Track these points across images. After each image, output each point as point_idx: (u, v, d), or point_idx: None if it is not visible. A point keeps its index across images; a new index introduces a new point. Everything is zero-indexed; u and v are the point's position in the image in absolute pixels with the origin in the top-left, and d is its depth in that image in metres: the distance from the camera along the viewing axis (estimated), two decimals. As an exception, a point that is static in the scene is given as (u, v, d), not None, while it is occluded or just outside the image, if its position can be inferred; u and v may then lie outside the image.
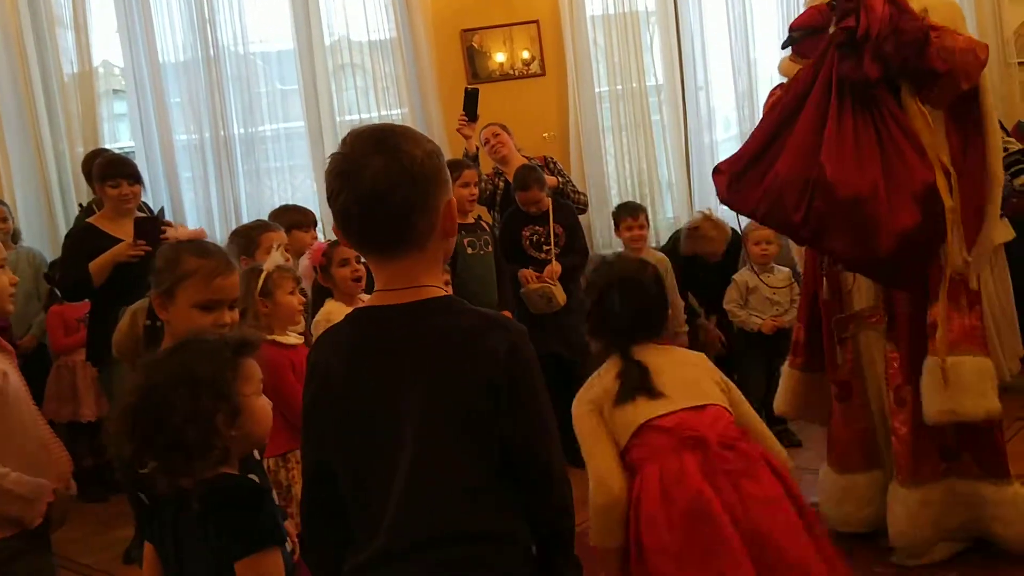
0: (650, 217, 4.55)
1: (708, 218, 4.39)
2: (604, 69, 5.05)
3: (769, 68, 4.78)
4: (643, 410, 1.85)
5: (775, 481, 1.77)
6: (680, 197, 4.95)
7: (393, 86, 5.02)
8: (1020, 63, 5.12)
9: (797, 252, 3.07)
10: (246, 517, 1.39)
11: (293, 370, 2.39)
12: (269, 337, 2.40)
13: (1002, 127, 4.26)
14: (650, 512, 1.73)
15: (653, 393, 1.85)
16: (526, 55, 5.09)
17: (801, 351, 2.96)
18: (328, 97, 4.97)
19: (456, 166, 3.87)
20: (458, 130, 4.29)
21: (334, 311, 2.72)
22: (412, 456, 1.20)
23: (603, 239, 4.96)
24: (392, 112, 5.00)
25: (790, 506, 1.75)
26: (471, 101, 4.21)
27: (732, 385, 2.00)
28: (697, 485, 1.72)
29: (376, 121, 4.90)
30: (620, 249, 4.42)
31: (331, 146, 4.90)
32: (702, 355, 2.07)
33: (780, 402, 3.04)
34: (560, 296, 4.00)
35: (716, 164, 2.61)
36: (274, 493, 1.77)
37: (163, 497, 1.44)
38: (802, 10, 2.77)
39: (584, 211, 4.53)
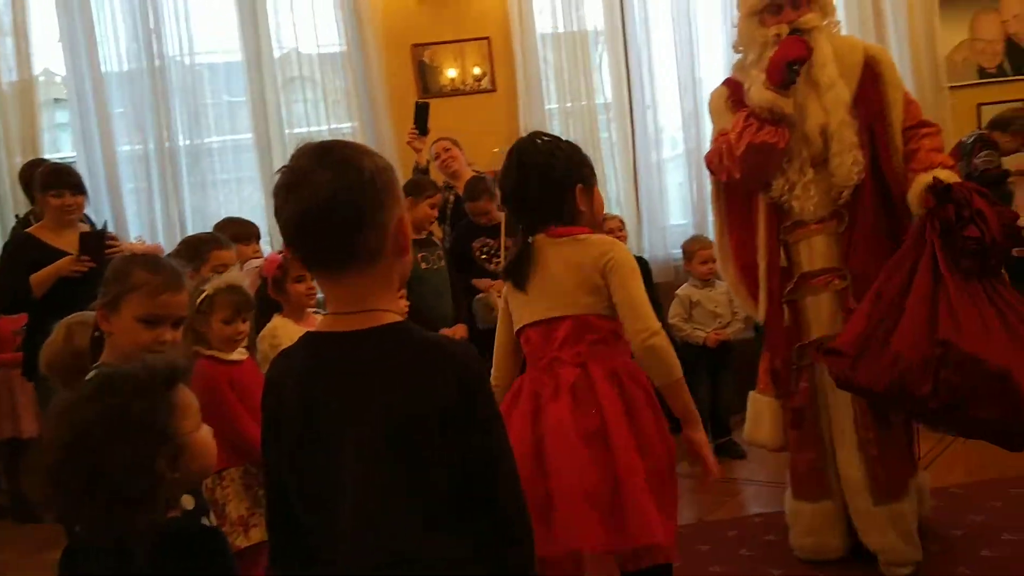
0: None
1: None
2: (554, 86, 5.10)
3: (714, 85, 4.88)
4: (519, 311, 2.02)
5: (568, 402, 1.89)
6: (628, 214, 5.00)
7: (343, 99, 5.00)
8: (952, 87, 5.34)
9: (733, 279, 2.95)
10: (202, 567, 1.32)
11: (232, 387, 2.34)
12: (207, 352, 2.36)
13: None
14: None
15: (519, 284, 1.99)
16: (477, 71, 5.12)
17: (782, 382, 2.85)
18: (277, 109, 4.92)
19: (425, 187, 3.91)
20: (408, 143, 4.30)
21: (280, 327, 2.67)
22: (363, 485, 1.19)
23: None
24: (342, 125, 4.98)
25: (575, 435, 1.86)
26: (421, 115, 4.22)
27: (616, 267, 1.93)
28: (520, 407, 1.93)
29: (326, 134, 4.88)
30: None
31: (279, 159, 4.85)
32: (598, 245, 1.97)
33: (767, 436, 2.87)
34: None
35: (830, 345, 2.56)
36: (211, 513, 1.73)
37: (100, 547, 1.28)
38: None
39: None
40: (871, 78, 2.69)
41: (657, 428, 1.92)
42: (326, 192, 1.18)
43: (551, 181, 1.98)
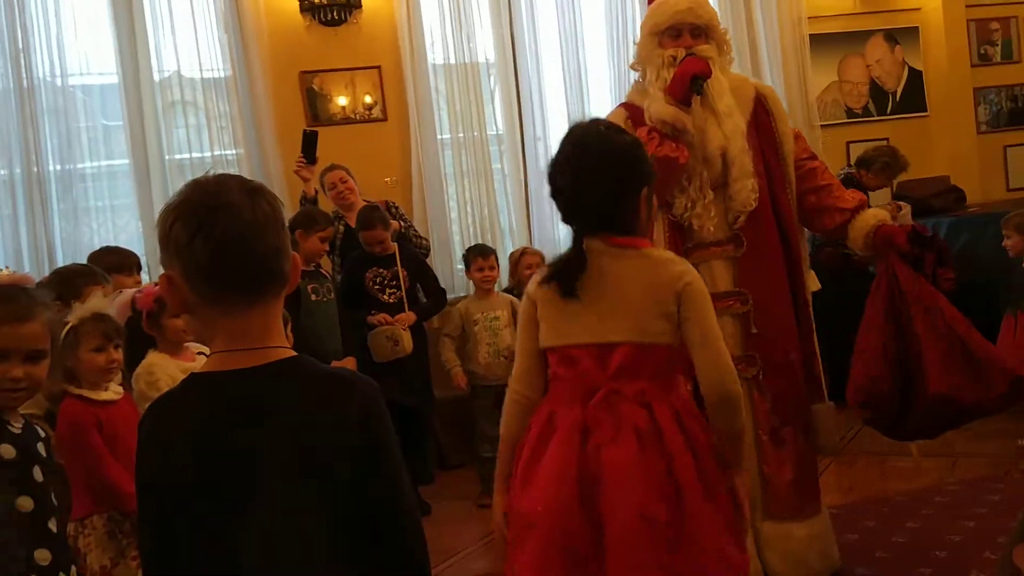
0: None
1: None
2: (446, 116, 5.11)
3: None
4: (559, 326, 1.71)
5: (635, 448, 1.66)
6: (520, 244, 5.04)
7: (228, 125, 4.84)
8: (823, 125, 5.67)
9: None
10: None
11: (100, 429, 2.19)
12: (76, 391, 2.21)
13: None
14: (525, 455, 1.73)
15: (569, 291, 1.69)
16: (368, 99, 5.07)
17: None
18: (156, 134, 4.72)
19: (317, 219, 3.82)
20: (296, 172, 4.21)
21: (157, 364, 2.53)
22: (269, 530, 1.12)
23: (445, 283, 4.96)
24: (227, 152, 4.82)
25: (642, 484, 1.64)
26: (310, 143, 4.13)
27: (695, 294, 1.70)
28: (566, 440, 1.67)
29: (209, 160, 4.73)
30: (464, 294, 4.44)
31: (158, 185, 4.67)
32: (673, 265, 1.74)
33: None
34: (408, 343, 3.97)
35: (867, 417, 2.74)
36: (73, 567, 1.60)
37: None
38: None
39: (426, 256, 4.53)
40: (763, 112, 2.81)
41: (720, 470, 1.73)
42: (254, 217, 1.15)
43: (619, 181, 1.71)
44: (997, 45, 6.01)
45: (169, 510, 1.17)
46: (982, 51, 6.00)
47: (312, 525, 1.14)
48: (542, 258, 4.37)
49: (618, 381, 1.68)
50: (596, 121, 1.79)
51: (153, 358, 2.56)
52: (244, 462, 1.14)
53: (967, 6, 5.87)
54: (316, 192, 4.26)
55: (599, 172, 1.68)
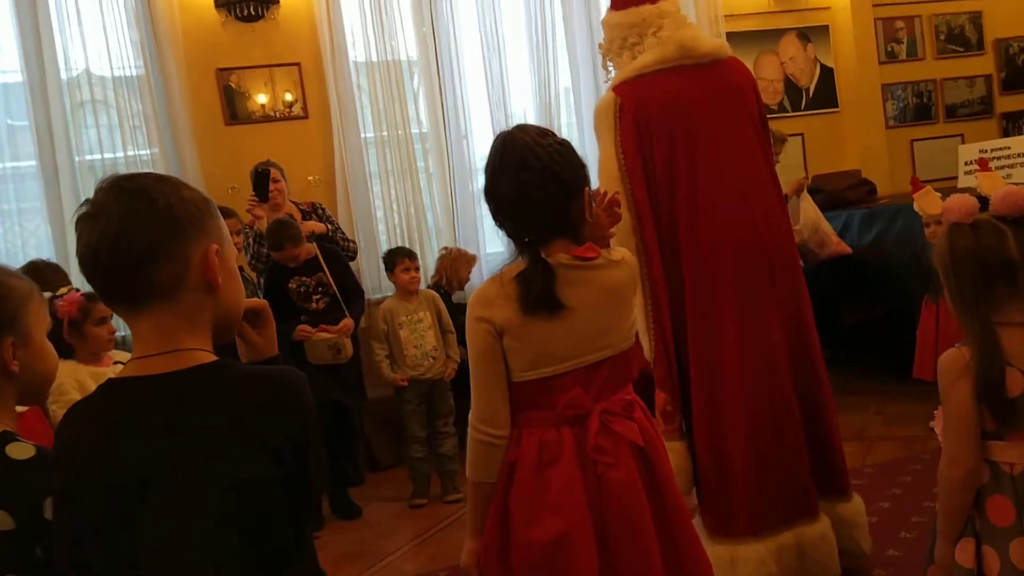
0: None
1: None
2: (370, 114, 5.05)
3: (525, 119, 5.04)
4: (534, 356, 1.60)
5: (634, 465, 1.64)
6: (446, 243, 5.02)
7: (142, 125, 4.68)
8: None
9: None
10: None
11: None
12: None
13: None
14: (523, 489, 1.62)
15: (557, 307, 1.58)
16: (289, 97, 4.98)
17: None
18: (65, 135, 4.54)
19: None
20: (248, 211, 4.06)
21: (65, 374, 2.42)
22: (185, 549, 1.08)
23: (373, 284, 4.92)
24: (141, 152, 4.67)
25: (642, 489, 1.63)
26: (262, 182, 4.01)
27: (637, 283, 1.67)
28: (571, 473, 1.59)
29: (122, 161, 4.58)
30: (391, 294, 4.41)
31: (68, 187, 4.50)
32: (628, 262, 1.71)
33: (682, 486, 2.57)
34: (350, 349, 3.96)
35: None
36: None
37: None
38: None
39: (353, 258, 4.46)
40: None
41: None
42: (116, 223, 1.11)
43: (563, 186, 1.63)
44: (903, 43, 6.26)
45: (76, 517, 1.13)
46: (889, 49, 6.24)
47: (213, 535, 1.10)
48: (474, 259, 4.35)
49: (604, 399, 1.63)
50: (523, 128, 1.71)
51: (66, 367, 2.46)
52: (148, 469, 1.10)
53: (874, 5, 6.10)
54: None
55: (542, 181, 1.61)
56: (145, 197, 1.13)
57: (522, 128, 1.71)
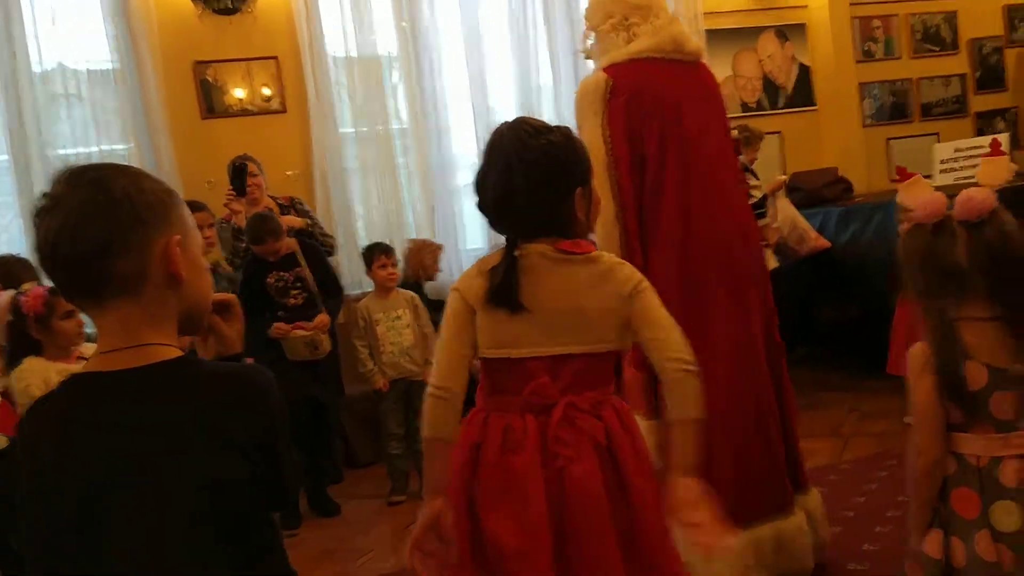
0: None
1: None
2: (348, 110, 5.02)
3: (506, 115, 5.02)
4: (502, 334, 1.61)
5: (596, 462, 1.62)
6: (426, 239, 5.00)
7: (117, 119, 4.64)
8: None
9: None
10: None
11: None
12: None
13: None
14: (487, 471, 1.63)
15: (514, 307, 1.60)
16: (267, 91, 4.94)
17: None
18: (37, 129, 4.48)
19: (189, 207, 3.63)
20: (226, 204, 4.02)
21: (28, 369, 2.40)
22: (161, 549, 1.07)
23: (353, 280, 4.89)
24: (116, 147, 4.62)
25: (602, 487, 1.62)
26: (239, 176, 3.97)
27: (645, 290, 1.64)
28: (532, 459, 1.60)
29: (96, 155, 4.53)
30: (371, 290, 4.39)
31: (41, 182, 4.42)
32: (622, 269, 1.67)
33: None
34: (327, 345, 3.93)
35: None
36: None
37: None
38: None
39: (332, 254, 4.44)
40: None
41: (652, 472, 1.70)
42: (73, 215, 1.09)
43: (547, 185, 1.61)
44: (880, 42, 6.32)
45: (40, 516, 1.11)
46: (866, 48, 6.29)
47: (189, 533, 1.09)
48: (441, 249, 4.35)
49: (572, 393, 1.63)
50: (521, 122, 1.66)
51: (28, 364, 2.43)
52: (110, 467, 1.08)
53: (851, 4, 6.14)
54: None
55: (528, 185, 1.59)
56: (103, 188, 1.10)
57: (517, 124, 1.67)
